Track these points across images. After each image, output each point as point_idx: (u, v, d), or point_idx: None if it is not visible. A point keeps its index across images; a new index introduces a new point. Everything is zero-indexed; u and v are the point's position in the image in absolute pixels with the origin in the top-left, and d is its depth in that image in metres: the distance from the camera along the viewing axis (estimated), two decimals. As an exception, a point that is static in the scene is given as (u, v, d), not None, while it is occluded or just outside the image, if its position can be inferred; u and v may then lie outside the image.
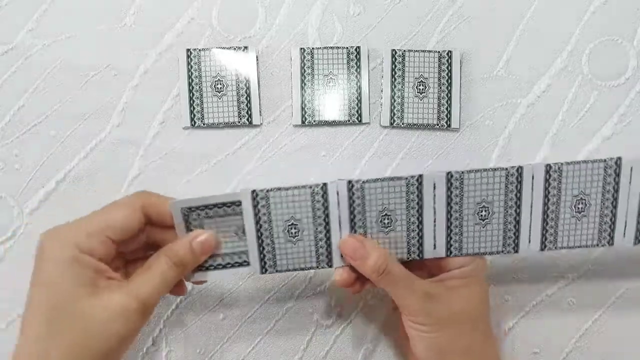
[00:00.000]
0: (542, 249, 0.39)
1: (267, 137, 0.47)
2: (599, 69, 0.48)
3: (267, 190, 0.37)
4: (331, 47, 0.48)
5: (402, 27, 0.48)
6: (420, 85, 0.47)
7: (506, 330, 0.45)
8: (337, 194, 0.37)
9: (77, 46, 0.48)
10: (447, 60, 0.47)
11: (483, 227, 0.38)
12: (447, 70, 0.47)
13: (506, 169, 0.37)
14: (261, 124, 0.47)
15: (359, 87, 0.47)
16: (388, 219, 0.38)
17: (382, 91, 0.47)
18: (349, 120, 0.47)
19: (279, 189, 0.37)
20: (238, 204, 0.37)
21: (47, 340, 0.33)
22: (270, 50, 0.48)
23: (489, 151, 0.47)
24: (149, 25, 0.48)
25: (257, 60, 0.47)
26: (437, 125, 0.47)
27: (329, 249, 0.38)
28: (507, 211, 0.38)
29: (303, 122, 0.47)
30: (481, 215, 0.38)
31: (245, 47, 0.47)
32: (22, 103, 0.47)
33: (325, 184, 0.37)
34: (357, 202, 0.38)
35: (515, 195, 0.38)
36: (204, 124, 0.47)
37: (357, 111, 0.47)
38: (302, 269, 0.39)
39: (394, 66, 0.48)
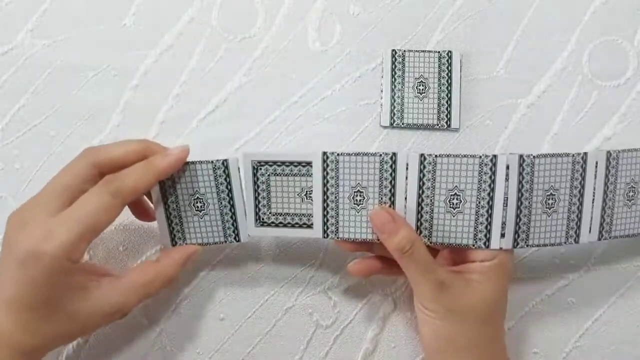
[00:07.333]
0: (599, 239, 0.39)
1: (267, 136, 0.47)
2: (599, 69, 0.48)
3: (337, 154, 0.37)
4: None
5: (402, 27, 0.48)
6: (420, 86, 0.47)
7: (506, 330, 0.45)
8: (407, 167, 0.37)
9: (77, 46, 0.48)
10: (447, 60, 0.47)
11: (549, 217, 0.38)
12: (447, 71, 0.47)
13: (572, 155, 0.37)
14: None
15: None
16: (457, 199, 0.37)
17: (382, 91, 0.47)
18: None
19: (349, 154, 0.37)
20: (306, 164, 0.37)
21: (29, 322, 0.34)
22: (270, 50, 0.48)
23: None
24: (149, 25, 0.48)
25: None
26: (437, 125, 0.47)
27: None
28: (571, 200, 0.38)
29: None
30: (548, 204, 0.38)
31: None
32: (22, 103, 0.47)
33: (395, 154, 0.37)
34: (427, 176, 0.37)
35: (580, 183, 0.38)
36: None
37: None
38: (364, 240, 0.39)
39: (394, 66, 0.47)
